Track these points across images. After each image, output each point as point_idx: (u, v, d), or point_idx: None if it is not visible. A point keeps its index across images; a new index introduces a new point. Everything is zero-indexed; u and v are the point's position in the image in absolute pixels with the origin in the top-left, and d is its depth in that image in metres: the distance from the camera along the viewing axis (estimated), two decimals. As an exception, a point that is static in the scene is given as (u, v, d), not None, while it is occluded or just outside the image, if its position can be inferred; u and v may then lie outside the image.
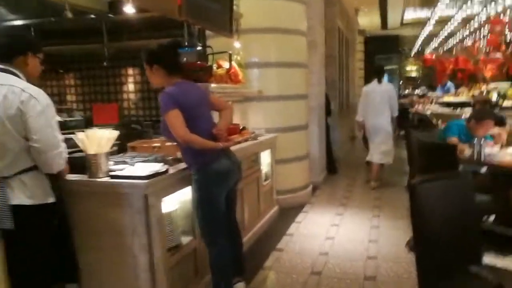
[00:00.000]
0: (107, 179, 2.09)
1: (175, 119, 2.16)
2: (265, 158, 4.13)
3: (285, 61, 4.59)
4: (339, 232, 3.87)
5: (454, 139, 3.55)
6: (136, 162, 2.29)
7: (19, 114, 1.83)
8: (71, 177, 2.15)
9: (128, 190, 2.04)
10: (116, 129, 2.27)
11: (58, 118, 1.99)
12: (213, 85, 3.27)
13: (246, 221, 3.48)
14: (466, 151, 3.39)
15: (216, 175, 2.33)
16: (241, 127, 4.18)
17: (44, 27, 5.51)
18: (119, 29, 5.39)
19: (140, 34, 5.44)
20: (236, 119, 4.49)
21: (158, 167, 2.17)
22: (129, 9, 2.60)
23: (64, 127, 2.94)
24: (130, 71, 6.57)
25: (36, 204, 1.91)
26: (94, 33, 5.51)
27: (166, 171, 2.21)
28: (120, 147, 2.87)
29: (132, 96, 6.66)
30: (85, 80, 6.69)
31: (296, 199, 4.76)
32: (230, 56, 3.81)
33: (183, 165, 2.40)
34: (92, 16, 4.82)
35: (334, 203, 4.88)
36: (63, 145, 1.96)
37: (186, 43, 4.22)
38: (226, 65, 3.83)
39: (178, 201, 2.50)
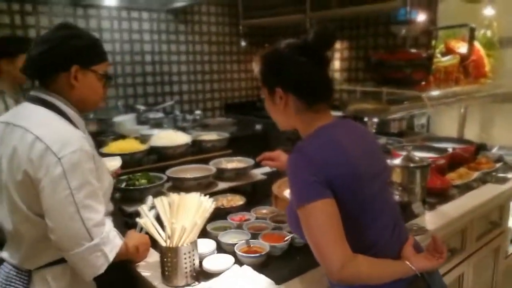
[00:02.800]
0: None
1: (322, 221, 0.98)
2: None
3: None
4: None
5: None
6: (248, 259, 1.29)
7: (29, 182, 1.07)
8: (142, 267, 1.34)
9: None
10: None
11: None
12: (427, 93, 1.85)
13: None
14: None
15: None
16: (476, 148, 2.59)
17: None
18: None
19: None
20: (470, 131, 2.86)
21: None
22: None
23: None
24: (337, 45, 5.46)
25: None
26: (297, 2, 4.66)
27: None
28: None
29: (337, 75, 5.63)
30: (289, 55, 6.02)
31: None
32: (471, 31, 2.23)
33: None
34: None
35: None
36: (106, 229, 1.13)
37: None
38: (462, 48, 2.28)
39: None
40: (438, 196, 1.98)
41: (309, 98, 1.13)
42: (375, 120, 1.99)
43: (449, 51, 2.26)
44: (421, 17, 2.59)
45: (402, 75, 1.91)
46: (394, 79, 1.95)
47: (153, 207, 1.37)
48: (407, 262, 1.06)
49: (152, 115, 3.77)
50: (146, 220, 1.24)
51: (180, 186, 1.77)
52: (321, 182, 1.00)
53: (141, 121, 3.86)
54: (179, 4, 4.59)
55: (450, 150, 2.39)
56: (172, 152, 1.98)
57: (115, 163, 1.59)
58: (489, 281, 2.23)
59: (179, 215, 1.25)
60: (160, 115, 3.87)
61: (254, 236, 1.43)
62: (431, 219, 1.72)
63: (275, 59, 1.16)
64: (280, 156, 1.63)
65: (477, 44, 2.32)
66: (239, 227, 1.52)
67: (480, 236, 2.05)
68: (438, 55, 2.19)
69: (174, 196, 1.30)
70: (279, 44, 1.17)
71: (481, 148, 2.68)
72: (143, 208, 1.29)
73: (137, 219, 1.31)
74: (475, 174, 2.21)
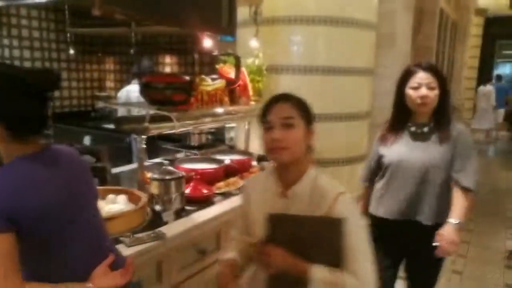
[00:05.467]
0: None
1: None
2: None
3: (338, 65, 3.20)
4: None
5: None
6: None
7: None
8: None
9: None
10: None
11: None
12: (182, 113, 2.10)
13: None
14: None
15: None
16: (258, 158, 3.01)
17: (75, 6, 4.87)
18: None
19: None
20: (256, 145, 3.29)
21: None
22: None
23: None
24: (167, 59, 5.67)
25: None
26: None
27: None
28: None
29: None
30: (123, 66, 6.00)
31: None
32: (237, 60, 2.60)
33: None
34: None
35: None
36: None
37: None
38: (233, 74, 2.64)
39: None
40: (202, 203, 2.25)
41: (16, 129, 1.15)
42: (143, 137, 2.17)
43: (220, 75, 2.59)
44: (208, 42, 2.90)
45: (163, 96, 2.13)
46: (158, 100, 2.16)
47: None
48: (90, 284, 1.19)
49: None
50: None
51: None
52: (1, 217, 1.05)
53: None
54: (-12, 5, 4.17)
55: (227, 161, 2.73)
56: None
57: None
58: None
59: None
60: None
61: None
62: (178, 225, 1.95)
63: None
64: None
65: (244, 71, 2.71)
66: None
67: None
68: (209, 80, 2.49)
69: None
70: None
71: (262, 159, 3.11)
72: None
73: None
74: (241, 183, 2.57)
